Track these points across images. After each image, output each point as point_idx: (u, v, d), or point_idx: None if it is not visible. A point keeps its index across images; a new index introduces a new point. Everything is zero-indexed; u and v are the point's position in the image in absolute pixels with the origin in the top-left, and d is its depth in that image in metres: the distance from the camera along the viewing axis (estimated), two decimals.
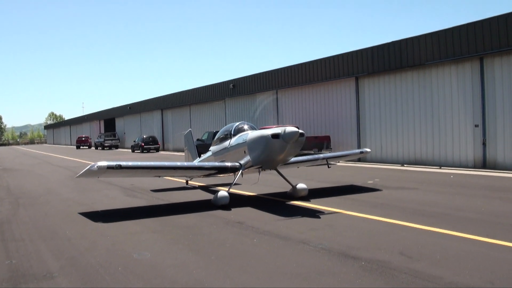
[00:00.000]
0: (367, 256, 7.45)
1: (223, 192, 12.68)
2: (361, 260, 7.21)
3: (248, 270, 6.92)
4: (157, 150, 53.94)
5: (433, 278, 6.36)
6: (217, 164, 13.76)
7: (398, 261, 7.14)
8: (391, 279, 6.35)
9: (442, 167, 22.68)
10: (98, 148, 69.61)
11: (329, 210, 11.58)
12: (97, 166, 11.36)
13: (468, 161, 22.14)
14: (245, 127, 14.16)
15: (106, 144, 67.88)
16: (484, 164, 21.45)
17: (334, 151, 27.60)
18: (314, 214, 11.18)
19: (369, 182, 17.29)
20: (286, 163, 13.54)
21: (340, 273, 6.69)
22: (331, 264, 7.10)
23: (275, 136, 11.96)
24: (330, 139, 29.48)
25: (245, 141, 13.10)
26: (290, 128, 11.88)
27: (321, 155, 15.91)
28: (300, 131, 11.84)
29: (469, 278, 6.33)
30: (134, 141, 56.62)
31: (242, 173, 13.31)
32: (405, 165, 24.58)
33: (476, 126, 21.78)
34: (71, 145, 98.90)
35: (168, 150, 56.13)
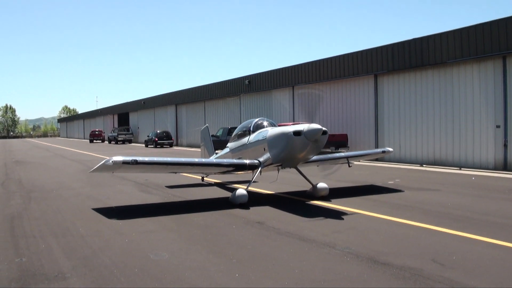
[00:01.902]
0: (397, 262, 7.00)
1: (241, 190, 12.26)
2: (392, 267, 6.77)
3: (273, 276, 6.48)
4: (171, 145, 53.70)
5: None
6: (235, 161, 13.33)
7: (430, 269, 6.70)
8: None
9: (462, 168, 22.13)
10: (112, 142, 69.48)
11: (352, 211, 11.13)
12: (112, 161, 10.99)
13: (488, 162, 21.56)
14: (265, 123, 13.74)
15: (119, 139, 67.71)
16: (505, 166, 20.86)
17: (351, 150, 27.15)
18: (336, 215, 10.75)
19: (390, 182, 16.83)
20: (307, 162, 13.09)
21: (371, 281, 6.25)
22: (361, 271, 6.66)
23: (297, 133, 11.50)
24: (347, 138, 28.99)
25: (265, 138, 12.66)
26: (313, 125, 11.40)
27: (343, 154, 15.45)
28: (323, 128, 11.38)
29: None
30: (148, 136, 56.42)
31: (260, 171, 12.89)
32: (424, 165, 24.04)
33: (498, 127, 21.19)
34: (84, 138, 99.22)
35: (182, 145, 55.87)
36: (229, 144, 15.16)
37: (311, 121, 12.13)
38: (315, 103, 31.60)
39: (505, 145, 20.87)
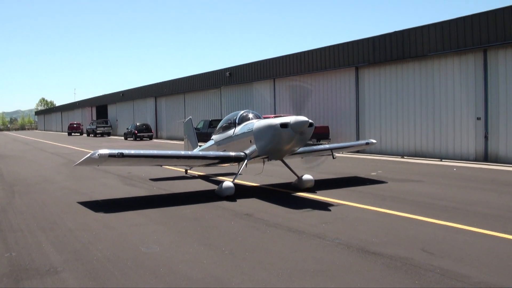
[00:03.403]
0: (388, 252, 7.10)
1: (228, 183, 12.26)
2: (383, 257, 6.87)
3: (266, 267, 6.53)
4: (151, 138, 53.37)
5: (461, 277, 6.05)
6: (221, 153, 13.32)
7: (421, 258, 6.81)
8: (418, 278, 6.02)
9: (442, 160, 22.40)
10: (90, 135, 68.85)
11: (338, 203, 11.23)
12: (98, 154, 10.91)
13: (469, 154, 21.85)
14: (250, 115, 13.73)
15: (98, 131, 67.13)
16: (486, 158, 21.17)
17: (333, 142, 27.28)
18: (323, 206, 10.83)
19: (372, 173, 16.97)
20: (292, 154, 13.14)
21: (363, 271, 6.33)
22: (352, 261, 6.74)
23: (284, 125, 11.52)
24: (329, 130, 29.14)
25: (251, 130, 12.65)
26: (299, 118, 11.45)
27: (327, 146, 15.54)
28: (310, 120, 11.43)
29: (497, 278, 6.03)
30: (127, 129, 55.97)
31: (246, 163, 12.90)
32: (405, 157, 24.27)
33: (478, 119, 21.46)
34: (62, 131, 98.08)
35: (161, 138, 55.57)
36: (213, 137, 15.13)
37: (298, 114, 12.18)
38: (304, 96, 31.60)
39: (486, 137, 21.16)
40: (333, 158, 14.76)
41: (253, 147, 12.60)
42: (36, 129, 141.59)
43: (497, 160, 20.66)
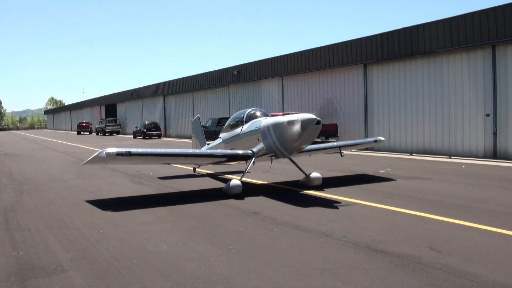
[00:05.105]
0: (395, 250, 7.07)
1: (235, 181, 12.26)
2: (390, 255, 6.83)
3: (273, 265, 6.52)
4: (159, 136, 53.57)
5: (468, 275, 6.00)
6: (229, 151, 13.32)
7: (428, 256, 6.77)
8: (425, 276, 5.98)
9: (451, 157, 22.28)
10: (99, 133, 69.19)
11: (346, 201, 11.20)
12: (105, 153, 10.95)
13: (478, 151, 21.73)
14: (258, 113, 13.71)
15: (107, 130, 67.42)
16: (495, 154, 21.04)
17: (341, 140, 27.22)
18: (331, 204, 10.80)
19: (381, 171, 16.89)
20: (300, 151, 13.11)
21: (370, 269, 6.30)
22: (359, 259, 6.71)
23: (291, 123, 11.51)
24: (337, 127, 29.06)
25: (259, 128, 12.64)
26: (307, 115, 11.43)
27: (335, 143, 15.54)
28: (317, 118, 11.39)
29: (505, 276, 5.97)
30: (136, 127, 56.22)
31: (254, 161, 12.89)
32: (414, 154, 24.17)
33: (487, 115, 21.33)
34: (71, 130, 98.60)
35: (170, 136, 55.72)
36: (221, 135, 15.14)
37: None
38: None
39: (495, 134, 21.03)
40: (342, 155, 14.73)
41: (260, 145, 12.59)
42: (46, 128, 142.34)
43: (506, 157, 20.55)
